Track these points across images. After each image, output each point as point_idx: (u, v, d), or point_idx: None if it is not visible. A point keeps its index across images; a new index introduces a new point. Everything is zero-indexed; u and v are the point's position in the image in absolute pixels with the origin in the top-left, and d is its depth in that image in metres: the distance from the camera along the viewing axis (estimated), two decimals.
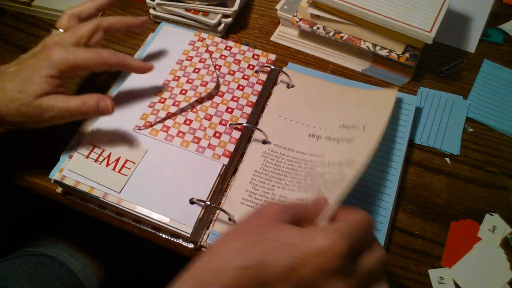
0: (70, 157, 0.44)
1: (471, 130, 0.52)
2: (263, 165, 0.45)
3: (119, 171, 0.43)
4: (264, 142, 0.47)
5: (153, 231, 0.43)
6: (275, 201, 0.30)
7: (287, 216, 0.29)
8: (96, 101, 0.41)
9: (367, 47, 0.55)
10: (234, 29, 0.60)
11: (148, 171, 0.43)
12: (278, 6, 0.60)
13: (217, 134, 0.46)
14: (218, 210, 0.43)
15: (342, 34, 0.55)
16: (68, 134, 0.47)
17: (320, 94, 0.50)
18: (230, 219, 0.42)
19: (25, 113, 0.39)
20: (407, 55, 0.53)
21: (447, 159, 0.50)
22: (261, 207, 0.30)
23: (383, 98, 0.45)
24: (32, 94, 0.38)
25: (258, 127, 0.48)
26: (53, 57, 0.40)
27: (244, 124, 0.46)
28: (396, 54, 0.54)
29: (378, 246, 0.30)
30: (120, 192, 0.42)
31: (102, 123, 0.46)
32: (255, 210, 0.31)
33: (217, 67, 0.51)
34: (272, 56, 0.52)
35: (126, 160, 0.44)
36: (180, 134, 0.46)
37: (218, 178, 0.43)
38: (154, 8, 0.59)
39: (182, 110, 0.47)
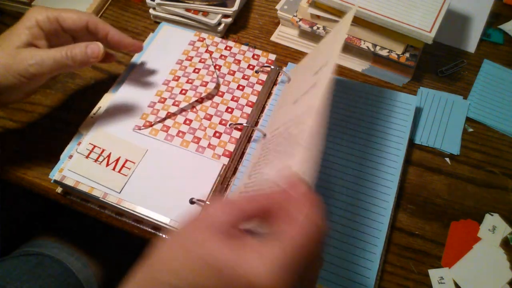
0: (70, 157, 0.44)
1: (471, 130, 0.52)
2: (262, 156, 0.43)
3: (119, 171, 0.43)
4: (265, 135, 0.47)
5: (153, 231, 0.43)
6: (222, 201, 0.27)
7: (234, 220, 0.26)
8: (85, 45, 0.40)
9: (367, 47, 0.55)
10: (234, 29, 0.60)
11: (148, 171, 0.43)
12: (278, 6, 0.60)
13: (217, 134, 0.46)
14: None
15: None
16: (68, 134, 0.47)
17: None
18: None
19: (6, 66, 0.38)
20: (407, 55, 0.53)
21: (447, 159, 0.50)
22: (205, 208, 0.27)
23: (342, 21, 0.41)
24: (11, 45, 0.38)
25: (258, 127, 0.48)
26: (30, 13, 0.40)
27: (244, 124, 0.46)
28: (396, 54, 0.54)
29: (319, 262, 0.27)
30: (120, 192, 0.42)
31: (102, 123, 0.46)
32: (200, 212, 0.28)
33: (217, 67, 0.51)
34: (272, 56, 0.52)
35: (126, 160, 0.44)
36: (180, 134, 0.46)
37: (218, 178, 0.43)
38: (154, 8, 0.59)
39: (182, 110, 0.47)
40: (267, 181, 0.34)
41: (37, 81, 0.41)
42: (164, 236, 0.29)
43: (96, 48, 0.41)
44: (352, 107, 0.50)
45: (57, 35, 0.42)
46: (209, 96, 0.48)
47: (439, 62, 0.58)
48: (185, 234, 0.26)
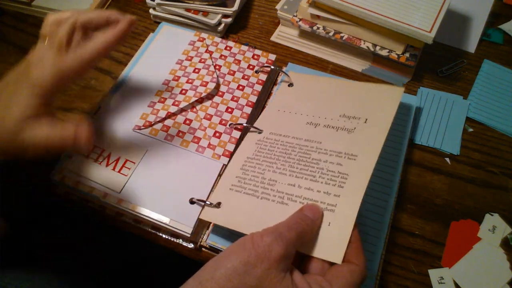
0: (70, 157, 0.44)
1: (471, 130, 0.52)
2: (256, 151, 0.43)
3: (119, 171, 0.43)
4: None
5: (153, 231, 0.43)
6: (278, 239, 0.30)
7: (289, 258, 0.30)
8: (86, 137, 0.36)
9: (367, 47, 0.55)
10: (234, 29, 0.60)
11: (148, 171, 0.43)
12: (278, 6, 0.60)
13: (217, 134, 0.46)
14: None
15: (342, 34, 0.55)
16: None
17: (321, 89, 0.50)
18: None
19: (3, 148, 0.34)
20: (407, 55, 0.53)
21: (447, 159, 0.50)
22: (261, 244, 0.29)
23: (389, 94, 0.44)
24: (13, 116, 0.34)
25: (258, 126, 0.48)
26: (33, 75, 0.35)
27: (244, 124, 0.46)
28: (396, 54, 0.54)
29: None
30: (120, 192, 0.42)
31: (102, 123, 0.46)
32: (257, 244, 0.30)
33: (217, 67, 0.51)
34: (272, 56, 0.52)
35: (126, 160, 0.44)
36: (180, 134, 0.46)
37: (218, 178, 0.43)
38: (154, 8, 0.59)
39: (182, 110, 0.47)
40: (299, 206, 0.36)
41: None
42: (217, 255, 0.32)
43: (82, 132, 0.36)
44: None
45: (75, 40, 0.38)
46: (209, 96, 0.48)
47: (439, 62, 0.58)
48: (244, 264, 0.29)
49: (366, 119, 0.42)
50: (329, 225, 0.34)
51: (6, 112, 0.34)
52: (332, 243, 0.33)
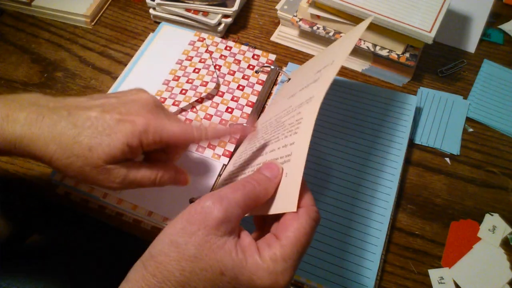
0: None
1: (471, 130, 0.52)
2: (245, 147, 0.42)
3: None
4: None
5: (153, 231, 0.43)
6: (216, 201, 0.27)
7: (232, 221, 0.27)
8: (174, 173, 0.35)
9: (367, 47, 0.55)
10: (234, 29, 0.60)
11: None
12: (278, 6, 0.60)
13: None
14: None
15: (342, 34, 0.55)
16: None
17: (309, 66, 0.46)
18: None
19: (87, 174, 0.31)
20: (407, 55, 0.53)
21: (447, 159, 0.50)
22: (198, 209, 0.27)
23: (356, 28, 0.40)
24: (103, 158, 0.30)
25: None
26: (139, 123, 0.31)
27: (244, 124, 0.46)
28: (396, 54, 0.54)
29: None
30: (120, 192, 0.42)
31: None
32: (192, 208, 0.27)
33: (217, 67, 0.51)
34: (272, 56, 0.52)
35: None
36: None
37: (218, 178, 0.43)
38: (154, 8, 0.59)
39: (182, 110, 0.47)
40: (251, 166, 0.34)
41: None
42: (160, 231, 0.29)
43: (184, 180, 0.36)
44: (352, 107, 0.50)
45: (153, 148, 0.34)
46: (209, 96, 0.48)
47: (439, 62, 0.58)
48: (181, 234, 0.26)
49: (333, 60, 0.36)
50: (286, 176, 0.30)
51: (97, 142, 0.30)
52: (286, 193, 0.29)
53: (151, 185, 0.33)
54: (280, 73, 0.53)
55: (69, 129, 0.30)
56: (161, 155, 0.36)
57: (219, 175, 0.43)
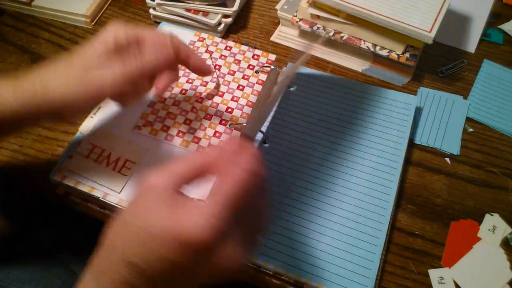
0: (70, 157, 0.44)
1: (471, 130, 0.52)
2: None
3: (119, 171, 0.43)
4: (264, 142, 0.47)
5: None
6: (159, 168, 0.29)
7: (173, 185, 0.28)
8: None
9: (367, 47, 0.55)
10: (234, 29, 0.60)
11: (148, 171, 0.43)
12: (278, 6, 0.60)
13: (217, 134, 0.46)
14: None
15: (342, 34, 0.55)
16: (68, 134, 0.47)
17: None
18: None
19: (77, 92, 0.35)
20: (407, 55, 0.53)
21: (447, 159, 0.50)
22: (144, 179, 0.29)
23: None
24: (82, 65, 0.35)
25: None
26: (109, 28, 0.37)
27: (244, 124, 0.46)
28: (396, 54, 0.54)
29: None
30: (120, 192, 0.42)
31: (102, 123, 0.46)
32: (140, 184, 0.29)
33: (217, 67, 0.51)
34: (272, 56, 0.52)
35: (126, 160, 0.44)
36: (180, 134, 0.46)
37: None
38: (154, 8, 0.59)
39: (182, 110, 0.47)
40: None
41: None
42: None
43: (161, 87, 0.38)
44: (352, 107, 0.50)
45: (131, 51, 0.37)
46: (209, 96, 0.48)
47: (439, 62, 0.58)
48: (129, 210, 0.28)
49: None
50: None
51: (74, 56, 0.36)
52: None
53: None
54: (280, 73, 0.53)
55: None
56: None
57: None
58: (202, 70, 0.42)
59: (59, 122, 0.43)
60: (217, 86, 0.49)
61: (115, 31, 0.36)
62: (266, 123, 0.49)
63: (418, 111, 0.52)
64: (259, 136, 0.47)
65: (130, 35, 0.37)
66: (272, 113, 0.49)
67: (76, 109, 0.38)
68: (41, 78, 0.36)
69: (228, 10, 0.57)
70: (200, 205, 0.27)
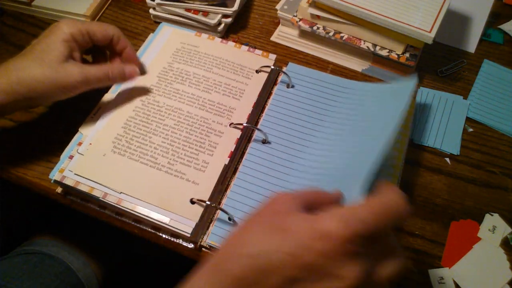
0: (71, 157, 0.44)
1: (471, 130, 0.52)
2: None
3: None
4: (264, 142, 0.47)
5: (153, 231, 0.43)
6: (286, 192, 0.30)
7: (298, 203, 0.28)
8: (122, 67, 0.46)
9: (367, 47, 0.55)
10: (234, 29, 0.60)
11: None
12: (278, 6, 0.60)
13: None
14: (218, 210, 0.43)
15: (342, 34, 0.55)
16: (68, 134, 0.47)
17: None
18: (230, 219, 0.42)
19: (51, 80, 0.41)
20: (407, 55, 0.53)
21: (447, 159, 0.50)
22: (272, 197, 0.30)
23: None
24: (53, 59, 0.41)
25: (258, 127, 0.48)
26: (62, 26, 0.43)
27: (244, 124, 0.46)
28: (396, 54, 0.54)
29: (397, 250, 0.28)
30: (120, 192, 0.42)
31: (102, 123, 0.46)
32: (267, 200, 0.30)
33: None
34: (272, 56, 0.52)
35: None
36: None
37: (219, 179, 0.43)
38: (154, 8, 0.59)
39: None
40: None
41: (71, 95, 0.44)
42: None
43: (133, 71, 0.47)
44: (352, 105, 0.50)
45: (87, 46, 0.46)
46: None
47: (439, 62, 0.58)
48: (261, 217, 0.29)
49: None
50: None
51: (44, 54, 0.41)
52: None
53: (106, 79, 0.44)
54: (280, 73, 0.53)
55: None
56: (103, 57, 0.49)
57: (220, 175, 0.43)
58: (131, 60, 0.48)
59: (30, 108, 0.50)
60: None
61: (71, 30, 0.43)
62: (265, 119, 0.49)
63: (418, 111, 0.52)
64: (260, 136, 0.47)
65: (83, 29, 0.44)
66: (269, 110, 0.49)
67: (49, 98, 0.44)
68: (16, 71, 0.41)
69: (228, 10, 0.57)
70: (331, 212, 0.26)
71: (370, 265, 0.26)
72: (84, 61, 0.47)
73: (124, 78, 0.46)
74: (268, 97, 0.52)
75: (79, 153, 0.44)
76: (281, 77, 0.53)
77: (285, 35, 0.60)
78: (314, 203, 0.29)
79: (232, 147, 0.45)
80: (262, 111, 0.50)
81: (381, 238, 0.27)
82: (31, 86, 0.40)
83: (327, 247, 0.25)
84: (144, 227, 0.44)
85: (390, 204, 0.27)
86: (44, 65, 0.41)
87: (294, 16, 0.58)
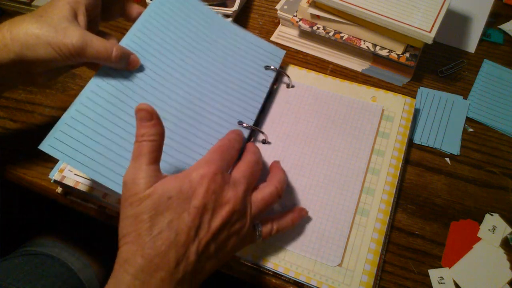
0: None
1: (471, 130, 0.52)
2: None
3: None
4: (264, 142, 0.47)
5: None
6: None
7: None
8: (129, 52, 0.41)
9: (367, 47, 0.55)
10: None
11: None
12: (278, 6, 0.60)
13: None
14: None
15: (342, 34, 0.55)
16: None
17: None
18: None
19: (48, 38, 0.37)
20: (407, 55, 0.53)
21: (447, 159, 0.50)
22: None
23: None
24: (55, 18, 0.37)
25: (258, 127, 0.48)
26: None
27: (244, 124, 0.46)
28: (396, 54, 0.54)
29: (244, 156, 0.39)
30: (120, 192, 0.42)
31: None
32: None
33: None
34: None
35: None
36: None
37: None
38: None
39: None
40: None
41: (65, 66, 0.41)
42: None
43: (137, 61, 0.42)
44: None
45: (94, 9, 0.42)
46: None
47: (439, 62, 0.58)
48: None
49: None
50: None
51: (45, 13, 0.38)
52: None
53: (106, 57, 0.39)
54: (280, 73, 0.53)
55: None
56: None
57: None
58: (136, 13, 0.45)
59: (31, 83, 0.44)
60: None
61: None
62: (265, 119, 0.49)
63: (418, 111, 0.52)
64: (260, 136, 0.47)
65: None
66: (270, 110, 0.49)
67: (45, 62, 0.38)
68: (11, 27, 0.37)
69: (228, 10, 0.57)
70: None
71: (245, 190, 0.35)
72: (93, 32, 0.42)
73: (126, 65, 0.41)
74: (268, 97, 0.52)
75: None
76: (281, 77, 0.53)
77: (285, 35, 0.60)
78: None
79: None
80: (261, 111, 0.50)
81: (252, 173, 0.37)
82: (24, 42, 0.36)
83: (209, 183, 0.33)
84: None
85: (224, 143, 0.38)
86: (42, 22, 0.37)
87: (294, 16, 0.58)
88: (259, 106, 0.47)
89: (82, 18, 0.40)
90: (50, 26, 0.37)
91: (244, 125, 0.45)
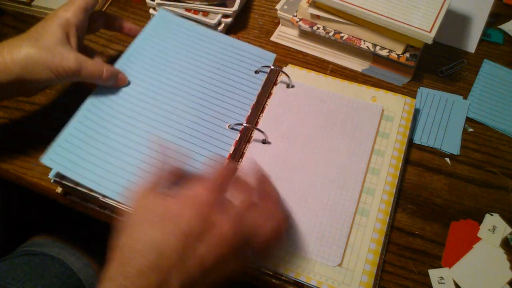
0: None
1: (471, 130, 0.52)
2: None
3: None
4: (264, 142, 0.47)
5: None
6: (143, 185, 0.35)
7: (162, 186, 0.35)
8: (117, 71, 0.46)
9: (367, 47, 0.55)
10: (234, 29, 0.60)
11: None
12: (278, 6, 0.60)
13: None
14: None
15: (342, 34, 0.55)
16: None
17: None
18: None
19: (46, 61, 0.40)
20: (407, 55, 0.53)
21: (447, 159, 0.50)
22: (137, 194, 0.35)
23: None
24: (49, 41, 0.41)
25: (258, 127, 0.48)
26: (57, 12, 0.43)
27: (244, 124, 0.46)
28: (396, 54, 0.54)
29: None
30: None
31: None
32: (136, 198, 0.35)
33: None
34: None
35: None
36: None
37: None
38: (154, 8, 0.59)
39: None
40: None
41: (61, 82, 0.44)
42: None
43: (124, 79, 0.47)
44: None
45: (84, 28, 0.46)
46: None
47: (439, 62, 0.58)
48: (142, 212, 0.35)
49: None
50: None
51: (40, 36, 0.41)
52: None
53: (98, 77, 0.43)
54: (280, 73, 0.53)
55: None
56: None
57: None
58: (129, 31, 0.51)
59: (28, 96, 0.48)
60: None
61: (66, 13, 0.43)
62: (265, 119, 0.49)
63: (417, 111, 0.53)
64: (260, 136, 0.47)
65: (76, 8, 0.44)
66: (270, 110, 0.49)
67: (41, 81, 0.42)
68: (11, 51, 0.40)
69: (228, 10, 0.57)
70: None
71: (237, 214, 0.33)
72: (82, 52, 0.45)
73: (115, 82, 0.46)
74: (268, 97, 0.52)
75: None
76: (281, 77, 0.53)
77: (285, 35, 0.60)
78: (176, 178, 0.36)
79: (231, 147, 0.45)
80: (262, 111, 0.50)
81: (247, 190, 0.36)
82: (25, 66, 0.40)
83: (199, 211, 0.32)
84: None
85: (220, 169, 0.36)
86: (40, 47, 0.40)
87: (294, 16, 0.58)
88: (248, 109, 0.48)
89: (73, 40, 0.43)
90: (48, 51, 0.40)
91: (234, 127, 0.45)
